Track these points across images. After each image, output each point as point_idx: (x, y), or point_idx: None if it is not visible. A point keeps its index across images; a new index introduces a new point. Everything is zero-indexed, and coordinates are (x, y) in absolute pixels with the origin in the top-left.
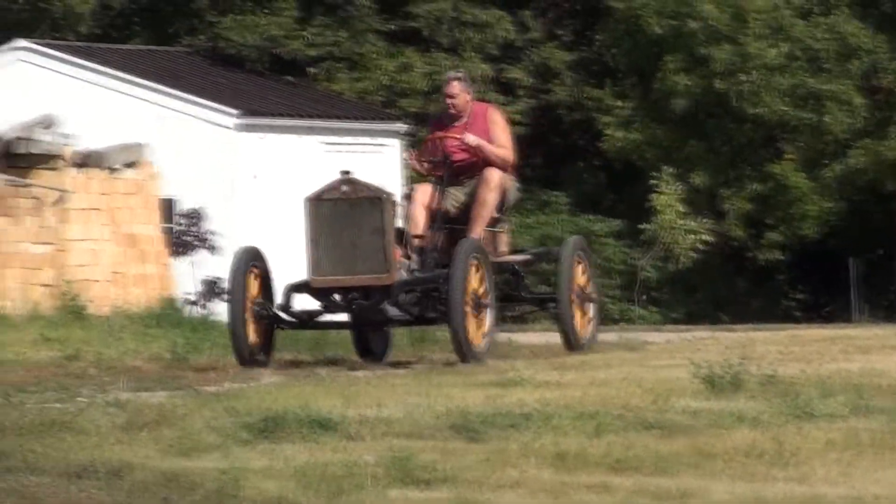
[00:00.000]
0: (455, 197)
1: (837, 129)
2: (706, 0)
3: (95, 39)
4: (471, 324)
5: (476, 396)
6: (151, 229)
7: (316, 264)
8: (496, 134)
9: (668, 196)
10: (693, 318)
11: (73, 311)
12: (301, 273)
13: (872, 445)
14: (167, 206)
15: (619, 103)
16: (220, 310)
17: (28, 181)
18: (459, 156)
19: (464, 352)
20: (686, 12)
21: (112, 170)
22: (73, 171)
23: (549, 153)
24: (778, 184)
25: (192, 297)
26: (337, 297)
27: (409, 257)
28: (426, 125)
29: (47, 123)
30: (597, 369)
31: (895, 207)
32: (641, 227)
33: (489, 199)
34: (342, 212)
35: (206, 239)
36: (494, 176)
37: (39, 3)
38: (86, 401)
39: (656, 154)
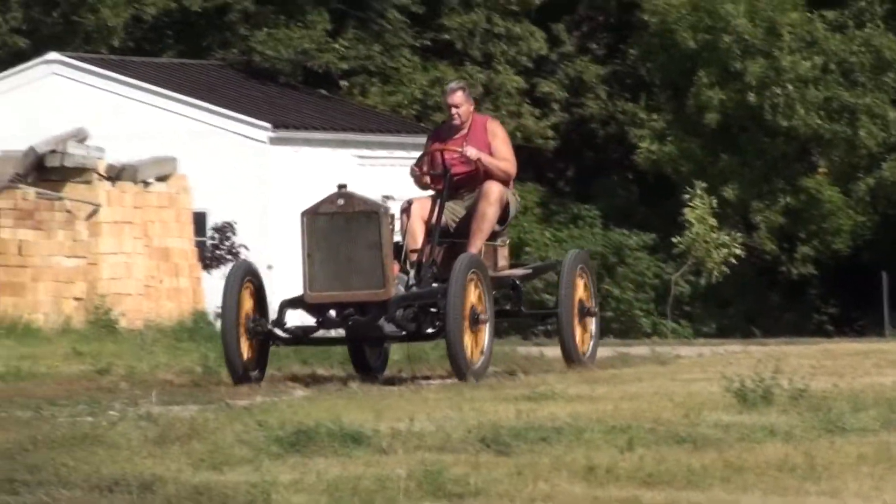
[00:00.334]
0: (454, 210)
1: (871, 142)
2: (740, 14)
3: (128, 53)
4: (469, 340)
5: (507, 410)
6: (184, 243)
7: (311, 279)
8: (497, 146)
9: (700, 210)
10: (725, 331)
11: (104, 325)
12: None
13: None
14: (199, 220)
15: (653, 117)
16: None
17: (60, 194)
18: (459, 168)
19: (461, 368)
20: (720, 26)
21: (145, 183)
22: (106, 185)
23: (582, 167)
24: (811, 197)
25: None
26: (332, 312)
27: (406, 272)
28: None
29: (80, 137)
30: (628, 383)
31: None
32: (674, 240)
33: (489, 212)
34: (338, 226)
35: (238, 252)
36: (494, 189)
37: (72, 16)
38: (117, 414)
39: (689, 167)
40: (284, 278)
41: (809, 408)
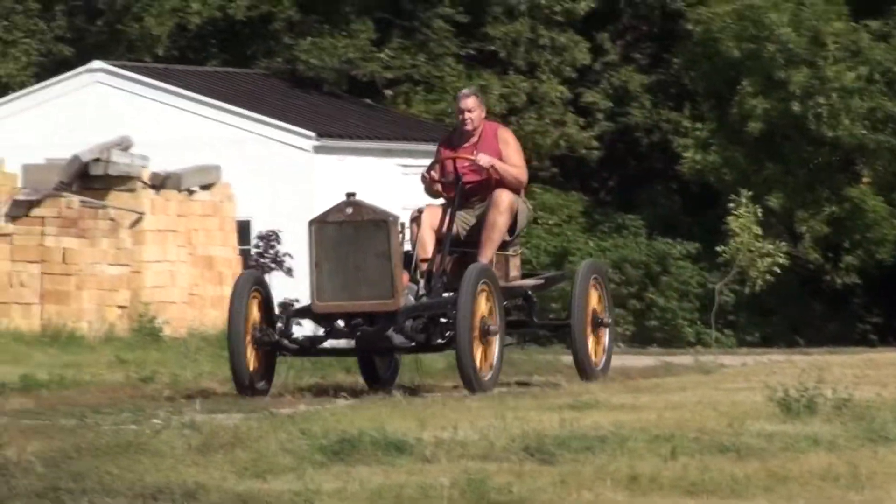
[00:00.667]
0: (464, 219)
1: None
2: (784, 23)
3: (172, 61)
4: (478, 351)
5: (551, 419)
6: (227, 251)
7: (318, 289)
8: (509, 154)
9: (744, 219)
10: (768, 341)
11: (148, 333)
12: None
13: None
14: (244, 228)
15: (697, 126)
16: (296, 331)
17: (104, 203)
18: (471, 177)
19: (470, 380)
20: (764, 35)
21: (188, 191)
22: (150, 193)
23: (626, 176)
24: (855, 207)
25: None
26: (340, 323)
27: (416, 282)
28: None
29: (124, 145)
30: (671, 392)
31: None
32: (718, 249)
33: (499, 221)
34: (346, 235)
35: (282, 261)
36: (505, 198)
37: (116, 25)
38: (161, 423)
39: (733, 176)
40: None
41: (853, 417)
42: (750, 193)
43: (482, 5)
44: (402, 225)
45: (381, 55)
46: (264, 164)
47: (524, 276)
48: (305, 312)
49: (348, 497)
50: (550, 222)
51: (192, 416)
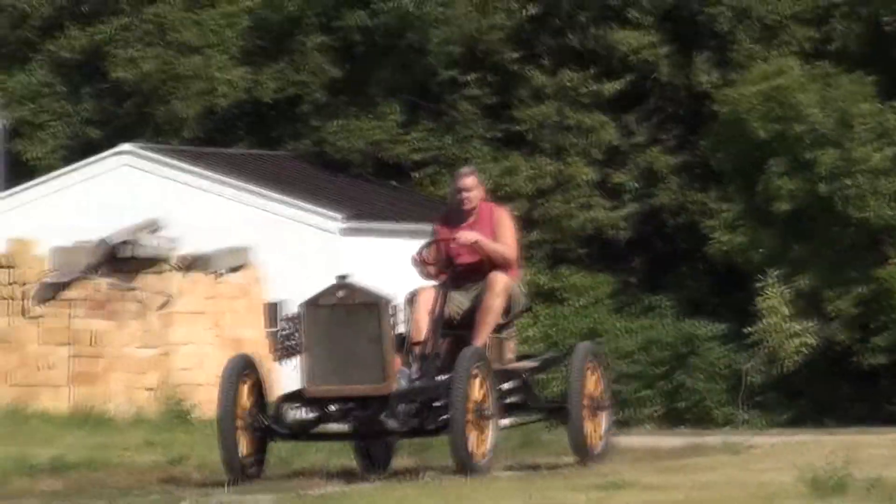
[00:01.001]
0: (459, 302)
1: None
2: (812, 104)
3: (200, 143)
4: (472, 435)
5: (578, 500)
6: (256, 333)
7: (310, 373)
8: (502, 233)
9: (773, 299)
10: (797, 421)
11: (177, 415)
12: None
13: None
14: (272, 310)
15: (723, 207)
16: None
17: (133, 285)
18: (464, 259)
19: (464, 465)
20: (791, 116)
21: (217, 273)
22: (178, 275)
23: (653, 257)
24: (882, 288)
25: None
26: (332, 407)
27: (409, 364)
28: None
29: (153, 227)
30: (700, 472)
31: None
32: (746, 330)
33: (494, 304)
34: (338, 318)
35: None
36: (500, 281)
37: (144, 108)
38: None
39: (761, 257)
40: None
41: (883, 498)
42: (777, 273)
43: (509, 88)
44: (395, 308)
45: (408, 137)
46: (292, 246)
47: (520, 359)
48: (297, 396)
49: None
50: (579, 304)
51: (219, 499)
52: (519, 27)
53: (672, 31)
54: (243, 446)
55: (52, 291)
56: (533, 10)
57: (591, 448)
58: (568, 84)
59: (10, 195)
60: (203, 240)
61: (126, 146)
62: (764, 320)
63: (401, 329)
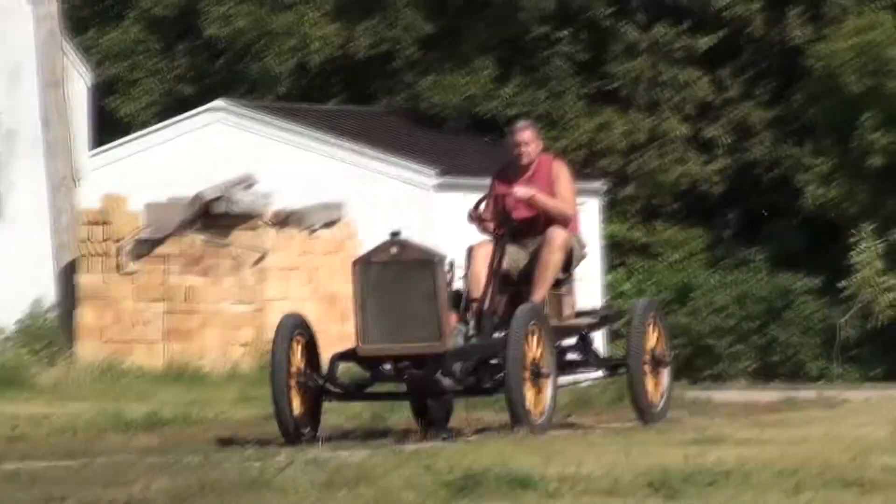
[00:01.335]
0: (516, 258)
1: None
2: None
3: (292, 100)
4: (529, 394)
5: (675, 454)
6: (350, 288)
7: (364, 332)
8: (559, 187)
9: (867, 253)
10: (891, 376)
11: None
12: None
13: None
14: None
15: (818, 161)
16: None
17: (227, 241)
18: (521, 213)
19: (522, 424)
20: (884, 70)
21: (312, 229)
22: (273, 231)
23: (748, 211)
24: None
25: None
26: (386, 366)
27: (466, 322)
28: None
29: (247, 183)
30: (795, 427)
31: None
32: (840, 284)
33: (552, 260)
34: (391, 276)
35: None
36: (558, 235)
37: (237, 64)
38: (285, 460)
39: (855, 211)
40: None
41: None
42: (871, 227)
43: (603, 44)
44: (451, 264)
45: (501, 93)
46: (386, 202)
47: (579, 315)
48: (350, 356)
49: None
50: (673, 258)
51: (315, 453)
52: None
53: None
54: (297, 406)
55: (146, 248)
56: None
57: (651, 405)
58: (661, 39)
59: (103, 152)
60: (296, 195)
61: (219, 103)
62: (858, 274)
63: (458, 286)
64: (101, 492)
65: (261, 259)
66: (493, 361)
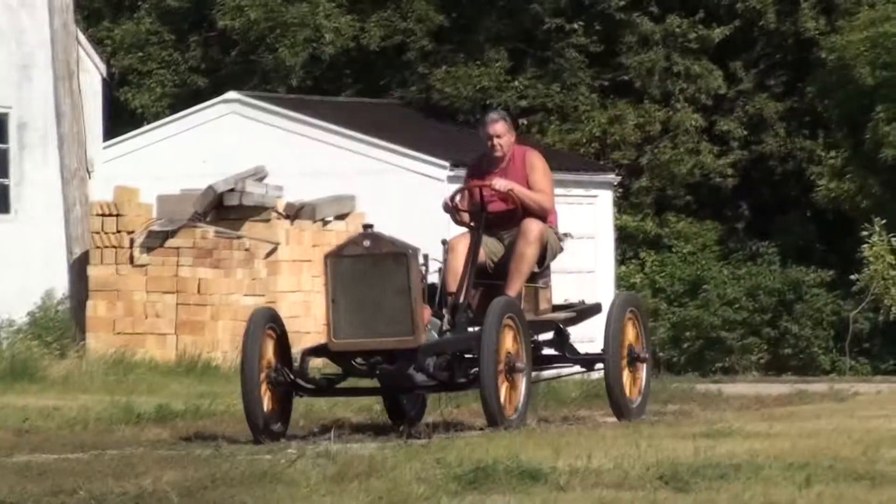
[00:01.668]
0: (493, 250)
1: None
2: None
3: (306, 91)
4: (503, 389)
5: (685, 447)
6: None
7: (335, 326)
8: (535, 179)
9: (878, 247)
10: None
11: None
12: None
13: None
14: None
15: (831, 154)
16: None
17: (239, 233)
18: (496, 206)
19: (496, 419)
20: None
21: (323, 221)
22: (285, 223)
23: (760, 204)
24: None
25: None
26: (358, 361)
27: (440, 316)
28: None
29: (259, 175)
30: (806, 420)
31: None
32: (852, 277)
33: (528, 252)
34: (364, 269)
35: None
36: (534, 228)
37: (250, 56)
38: (295, 452)
39: (868, 204)
40: None
41: None
42: (883, 222)
43: (615, 35)
44: (425, 257)
45: (515, 84)
46: (399, 194)
47: (555, 309)
48: (322, 350)
49: None
50: (685, 250)
51: (326, 446)
52: None
53: None
54: (267, 402)
55: (158, 240)
56: None
57: (628, 401)
58: (675, 30)
59: (116, 143)
60: (309, 187)
61: (232, 94)
62: (869, 268)
63: (432, 279)
64: (111, 484)
65: (273, 251)
66: (468, 356)
